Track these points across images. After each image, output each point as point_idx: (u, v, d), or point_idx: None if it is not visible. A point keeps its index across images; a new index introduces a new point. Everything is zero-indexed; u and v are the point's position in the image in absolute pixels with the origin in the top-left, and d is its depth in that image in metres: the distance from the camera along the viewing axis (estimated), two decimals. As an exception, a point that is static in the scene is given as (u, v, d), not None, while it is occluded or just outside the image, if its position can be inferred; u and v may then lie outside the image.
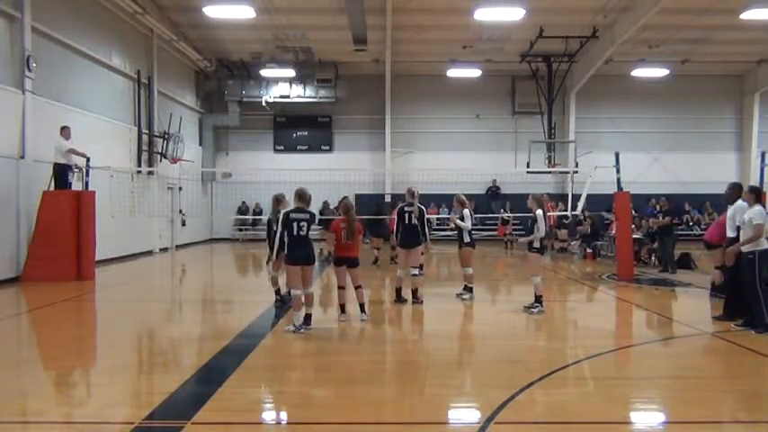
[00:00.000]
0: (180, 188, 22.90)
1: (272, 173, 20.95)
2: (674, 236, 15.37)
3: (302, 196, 8.11)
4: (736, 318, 8.42)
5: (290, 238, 7.92)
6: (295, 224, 7.90)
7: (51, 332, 8.53)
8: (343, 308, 8.88)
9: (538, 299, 9.48)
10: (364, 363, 6.83)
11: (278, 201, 9.64)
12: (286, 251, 7.99)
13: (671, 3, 18.17)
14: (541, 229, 9.54)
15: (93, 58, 16.54)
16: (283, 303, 9.90)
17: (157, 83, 20.51)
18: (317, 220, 8.20)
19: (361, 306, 8.83)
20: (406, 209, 10.17)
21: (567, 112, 26.26)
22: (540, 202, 9.86)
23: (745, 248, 7.95)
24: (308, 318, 8.06)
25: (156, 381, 6.21)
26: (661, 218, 15.00)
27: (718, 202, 15.53)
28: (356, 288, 8.87)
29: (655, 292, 11.96)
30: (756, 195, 8.08)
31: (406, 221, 10.07)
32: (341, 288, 8.89)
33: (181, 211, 22.68)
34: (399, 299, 10.19)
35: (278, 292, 10.15)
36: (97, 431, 4.72)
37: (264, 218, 23.71)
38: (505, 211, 22.77)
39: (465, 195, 11.04)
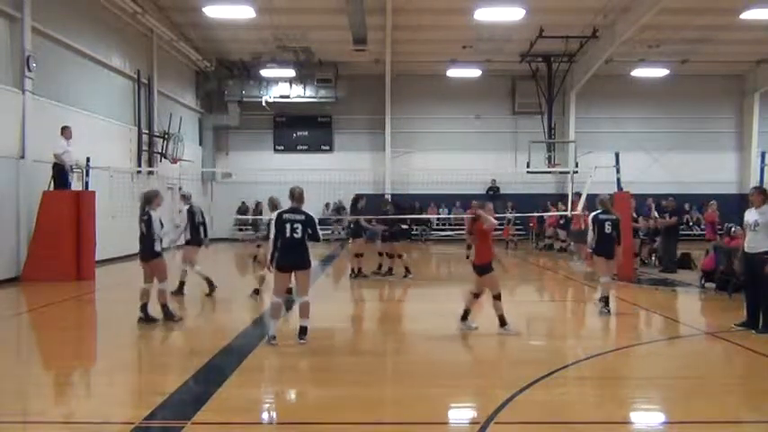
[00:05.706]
0: (180, 188, 22.87)
1: (272, 173, 20.94)
2: (677, 236, 15.35)
3: (292, 194, 7.35)
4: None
5: (282, 240, 7.14)
6: (288, 225, 7.11)
7: (51, 332, 8.52)
8: (465, 315, 8.09)
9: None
10: (364, 363, 6.83)
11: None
12: (276, 255, 7.20)
13: (671, 3, 18.14)
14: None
15: (93, 58, 16.53)
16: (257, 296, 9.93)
17: (157, 83, 20.50)
18: (316, 222, 7.30)
19: (500, 318, 7.92)
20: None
21: (567, 112, 26.22)
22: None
23: (761, 249, 7.75)
24: (303, 330, 7.26)
25: (156, 381, 6.20)
26: (667, 217, 14.95)
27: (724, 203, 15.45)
28: (494, 297, 7.94)
29: (655, 292, 11.95)
30: (765, 195, 7.87)
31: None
32: (475, 296, 8.09)
33: (180, 211, 22.63)
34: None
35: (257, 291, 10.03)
36: (97, 431, 4.73)
37: (265, 218, 23.89)
38: (509, 211, 22.72)
39: (465, 195, 11.02)
